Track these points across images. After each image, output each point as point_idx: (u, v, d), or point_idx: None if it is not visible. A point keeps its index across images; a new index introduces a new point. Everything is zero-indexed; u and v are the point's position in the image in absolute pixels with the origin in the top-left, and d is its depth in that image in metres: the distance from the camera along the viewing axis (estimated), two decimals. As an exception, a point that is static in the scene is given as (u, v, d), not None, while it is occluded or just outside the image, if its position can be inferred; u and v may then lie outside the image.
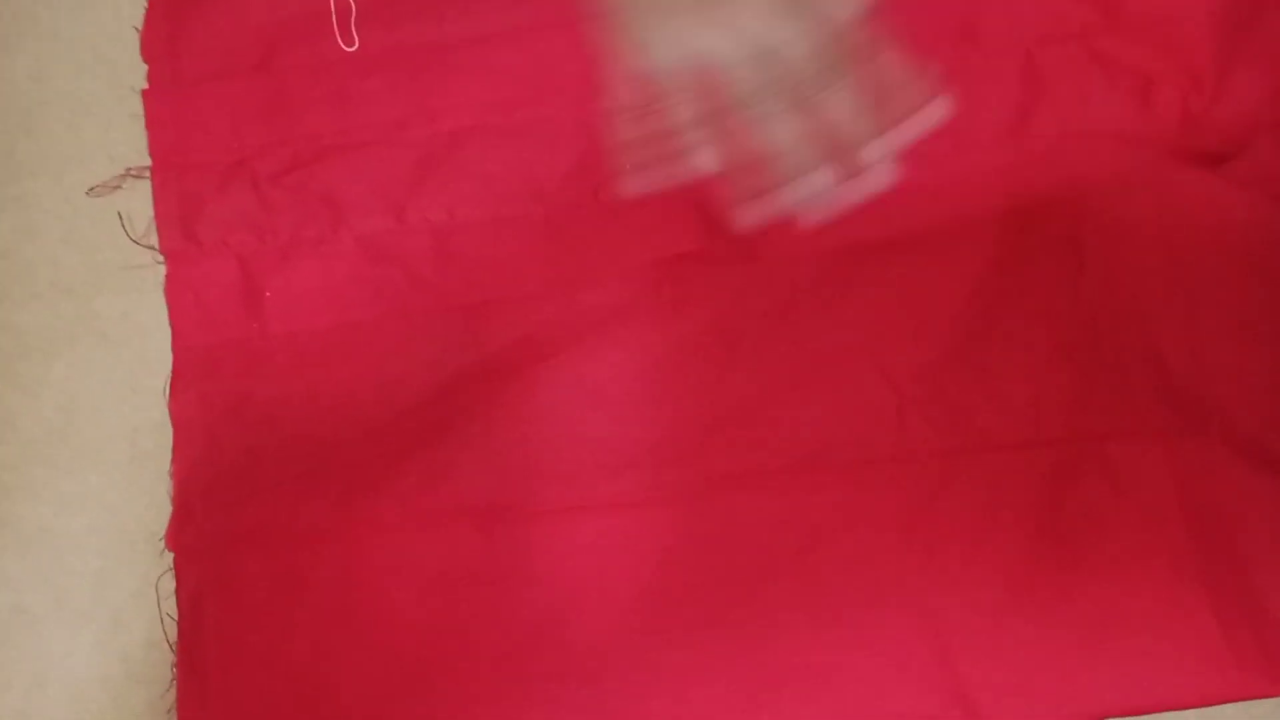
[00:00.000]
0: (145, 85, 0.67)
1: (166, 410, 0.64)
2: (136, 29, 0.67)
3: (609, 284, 0.63)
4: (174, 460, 0.63)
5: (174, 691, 0.61)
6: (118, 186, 0.67)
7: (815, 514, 0.60)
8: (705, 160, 0.48)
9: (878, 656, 0.59)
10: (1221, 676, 0.57)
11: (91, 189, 0.66)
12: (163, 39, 0.66)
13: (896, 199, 0.62)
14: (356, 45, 0.64)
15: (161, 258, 0.65)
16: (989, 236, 0.63)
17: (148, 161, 0.66)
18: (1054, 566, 0.59)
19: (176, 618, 0.61)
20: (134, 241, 0.65)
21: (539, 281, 0.63)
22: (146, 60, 0.66)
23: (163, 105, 0.65)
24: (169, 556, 0.62)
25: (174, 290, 0.64)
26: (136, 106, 0.66)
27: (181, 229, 0.64)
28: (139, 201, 0.66)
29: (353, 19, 0.64)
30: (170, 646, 0.61)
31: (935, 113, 0.48)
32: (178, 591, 0.61)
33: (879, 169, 0.49)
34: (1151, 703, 0.58)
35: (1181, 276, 0.62)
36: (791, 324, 0.63)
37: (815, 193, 0.48)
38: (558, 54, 0.64)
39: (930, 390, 0.62)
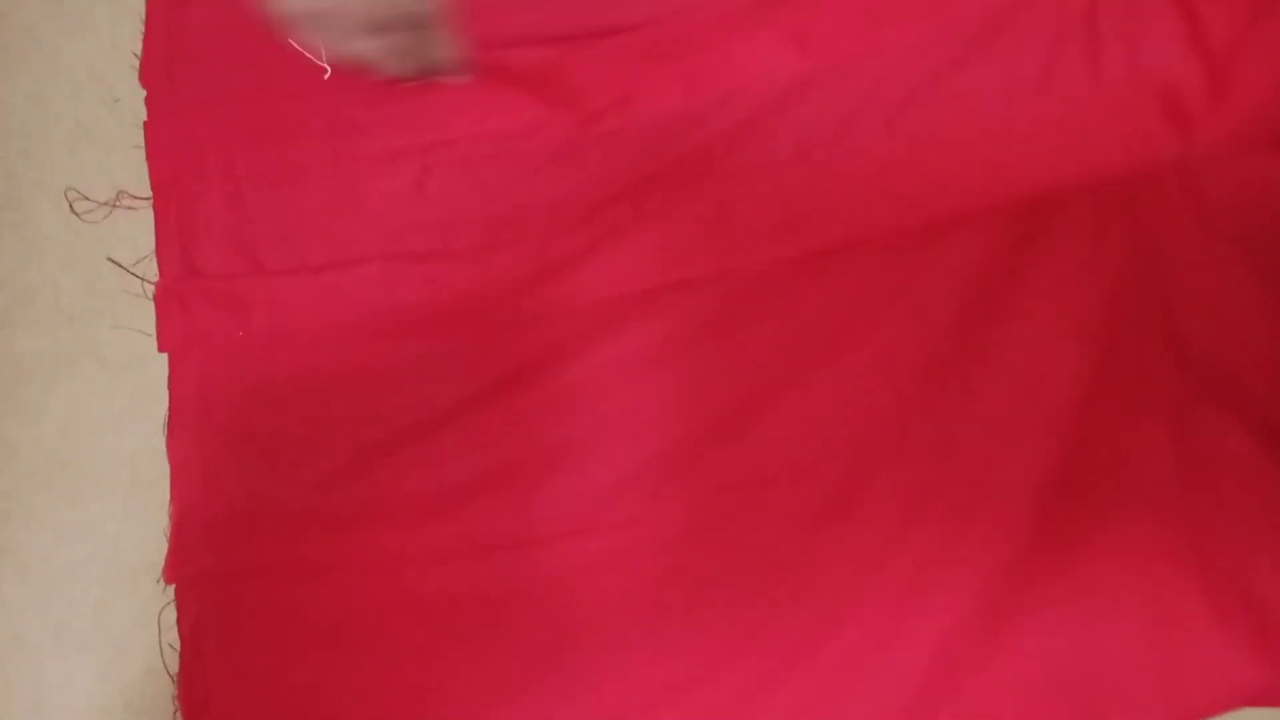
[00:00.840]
0: (144, 108, 0.67)
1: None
2: (135, 54, 0.67)
3: (603, 304, 0.63)
4: (172, 497, 0.62)
5: (175, 722, 0.60)
6: (111, 209, 0.66)
7: (814, 511, 0.60)
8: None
9: (875, 657, 0.58)
10: (1221, 677, 0.56)
11: (83, 213, 0.66)
12: (160, 65, 0.66)
13: (917, 181, 0.60)
14: (330, 73, 0.64)
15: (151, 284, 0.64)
16: (1006, 218, 0.61)
17: (146, 181, 0.65)
18: (1052, 563, 0.58)
19: (178, 648, 0.61)
20: (128, 270, 0.65)
21: (533, 305, 0.63)
22: (145, 86, 0.66)
23: (162, 134, 0.65)
24: (170, 587, 0.62)
25: (165, 322, 0.64)
26: (136, 131, 0.66)
27: (180, 257, 0.64)
28: (140, 228, 0.65)
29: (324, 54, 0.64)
30: (171, 677, 0.61)
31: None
32: (179, 623, 0.61)
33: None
34: (1148, 706, 0.57)
35: (1205, 252, 0.61)
36: (789, 324, 0.62)
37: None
38: (545, 82, 0.64)
39: (933, 380, 0.60)
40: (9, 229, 0.66)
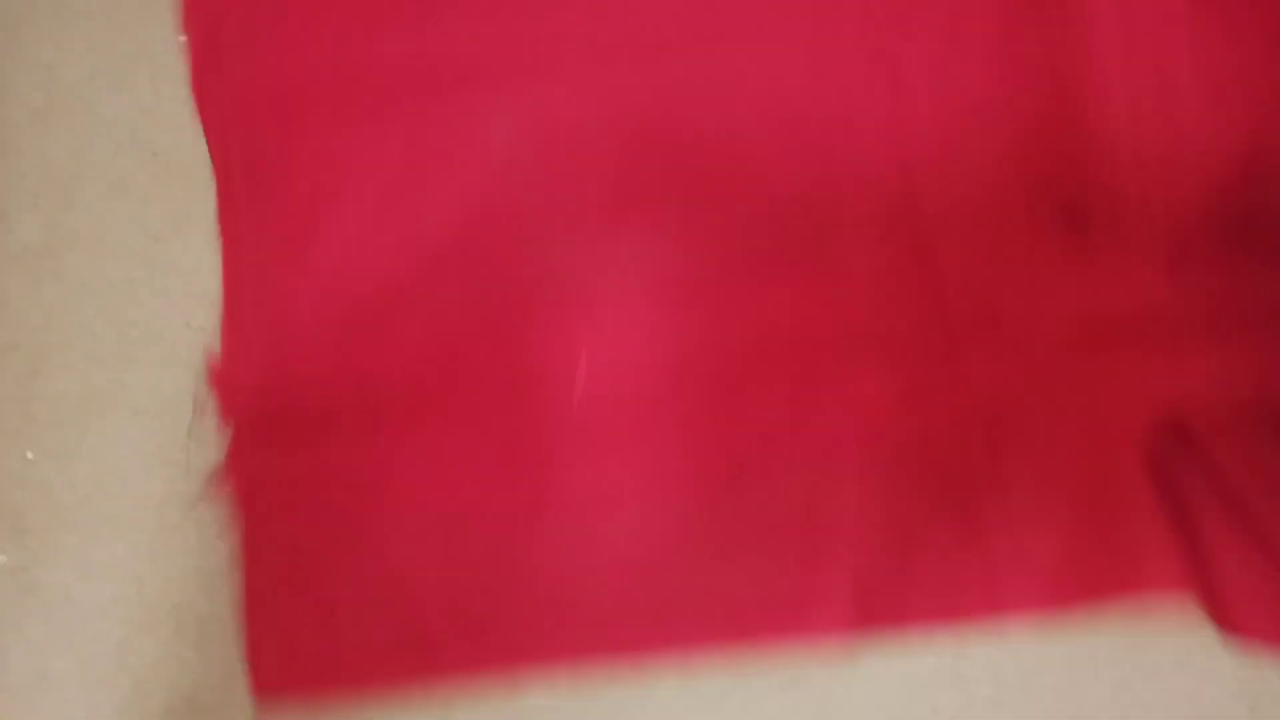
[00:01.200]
0: (180, 158, 0.69)
1: (193, 484, 0.66)
2: (175, 111, 0.70)
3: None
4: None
5: (192, 762, 0.62)
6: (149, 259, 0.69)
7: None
8: None
9: None
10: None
11: (120, 263, 0.69)
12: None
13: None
14: None
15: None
16: None
17: (182, 240, 0.68)
18: None
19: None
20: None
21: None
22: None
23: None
24: (191, 628, 0.64)
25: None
26: (173, 185, 0.69)
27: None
28: (175, 279, 0.68)
29: None
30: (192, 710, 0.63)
31: None
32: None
33: None
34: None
35: None
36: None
37: None
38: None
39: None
40: (47, 276, 0.69)
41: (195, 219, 0.68)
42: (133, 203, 0.70)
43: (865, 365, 0.61)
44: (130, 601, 0.65)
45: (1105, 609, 0.60)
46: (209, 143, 0.67)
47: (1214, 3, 0.62)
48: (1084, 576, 0.59)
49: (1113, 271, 0.60)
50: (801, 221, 0.63)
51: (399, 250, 0.66)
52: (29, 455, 0.67)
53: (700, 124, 0.65)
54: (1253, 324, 0.59)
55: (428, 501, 0.63)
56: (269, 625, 0.63)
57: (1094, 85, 0.62)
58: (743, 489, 0.61)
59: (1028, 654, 0.61)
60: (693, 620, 0.61)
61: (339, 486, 0.64)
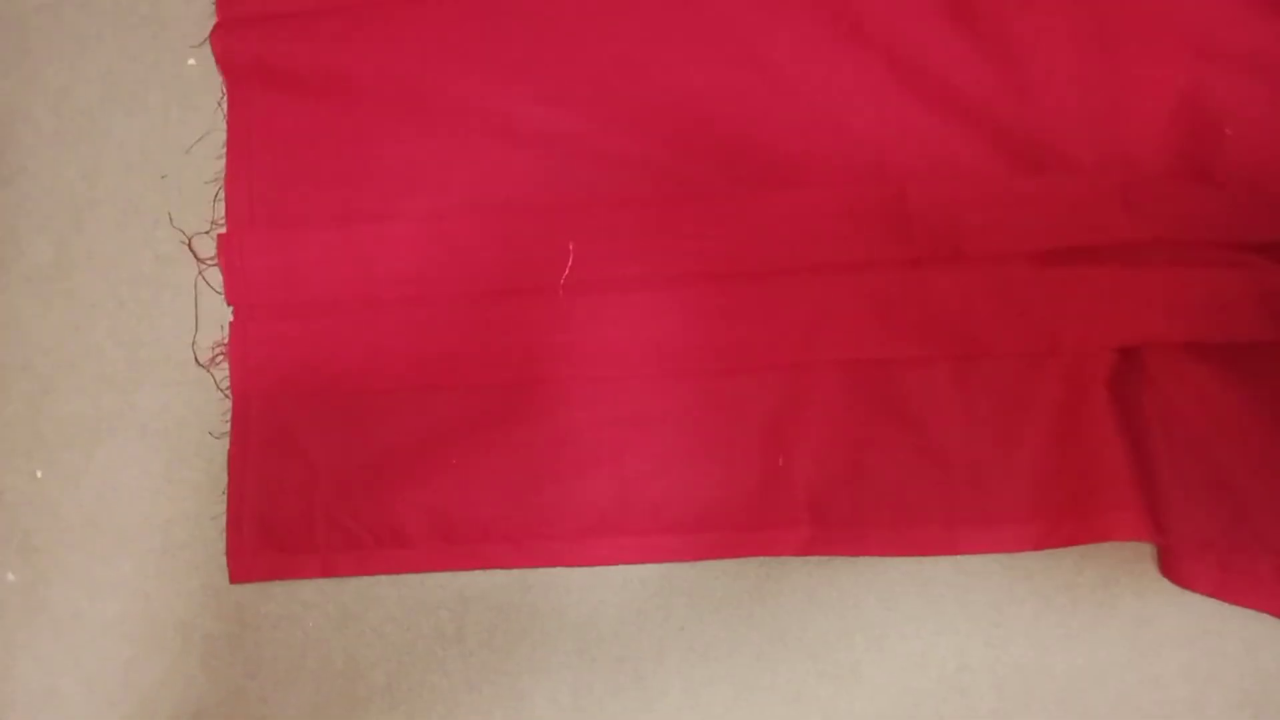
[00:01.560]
0: (190, 182, 0.71)
1: (201, 502, 0.66)
2: (183, 134, 0.71)
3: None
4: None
5: (198, 779, 0.62)
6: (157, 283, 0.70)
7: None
8: None
9: None
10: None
11: (129, 284, 0.70)
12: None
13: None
14: None
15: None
16: None
17: (191, 263, 0.70)
18: None
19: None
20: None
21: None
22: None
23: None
24: (197, 646, 0.65)
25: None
26: (182, 207, 0.70)
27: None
28: (183, 300, 0.69)
29: None
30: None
31: None
32: None
33: None
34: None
35: None
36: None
37: None
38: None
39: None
40: (58, 297, 0.70)
41: (205, 241, 0.70)
42: (143, 225, 0.71)
43: (841, 291, 0.65)
44: (137, 619, 0.66)
45: (1063, 544, 0.61)
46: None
47: None
48: (1043, 512, 0.62)
49: (1070, 207, 0.64)
50: (786, 164, 0.68)
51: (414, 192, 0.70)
52: (38, 474, 0.68)
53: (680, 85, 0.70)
54: (1203, 248, 0.64)
55: (416, 375, 0.66)
56: (251, 493, 0.66)
57: (1040, 47, 0.67)
58: (713, 396, 0.65)
59: (1031, 665, 0.61)
60: (653, 516, 0.64)
61: (332, 357, 0.67)
